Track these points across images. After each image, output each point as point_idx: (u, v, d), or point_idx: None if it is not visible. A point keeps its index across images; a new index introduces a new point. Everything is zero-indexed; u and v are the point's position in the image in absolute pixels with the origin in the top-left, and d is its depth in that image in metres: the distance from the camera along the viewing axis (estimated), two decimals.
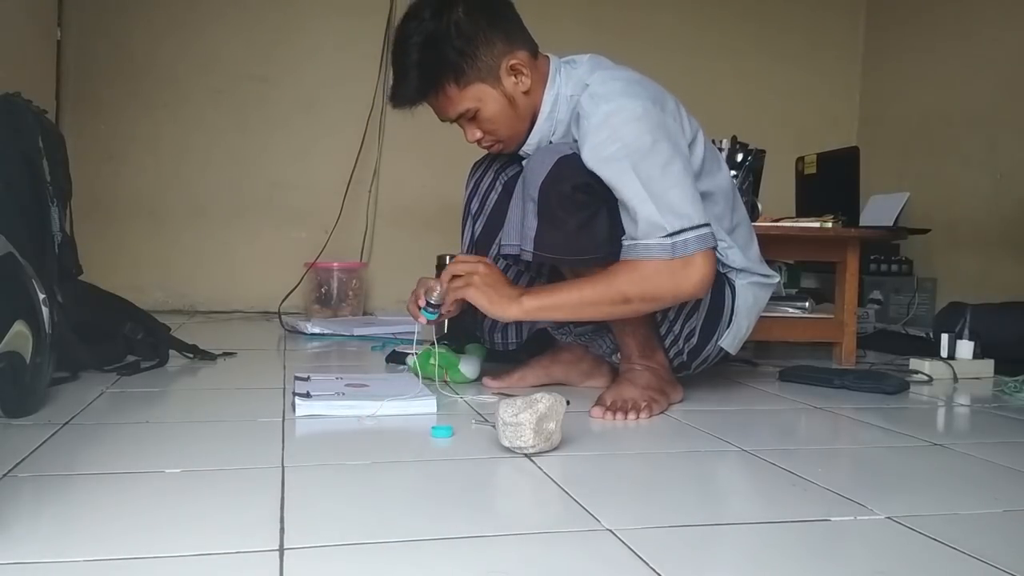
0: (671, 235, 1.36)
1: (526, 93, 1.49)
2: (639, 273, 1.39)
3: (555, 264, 1.56)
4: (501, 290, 1.43)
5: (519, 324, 1.70)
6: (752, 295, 1.60)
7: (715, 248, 1.42)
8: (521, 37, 1.51)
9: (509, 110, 1.49)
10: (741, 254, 1.58)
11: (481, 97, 1.47)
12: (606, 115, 1.40)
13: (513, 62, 1.47)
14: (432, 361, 1.67)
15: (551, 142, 1.53)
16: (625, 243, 1.41)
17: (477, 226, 1.68)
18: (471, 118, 1.51)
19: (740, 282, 1.58)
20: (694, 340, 1.56)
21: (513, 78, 1.48)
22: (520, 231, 1.48)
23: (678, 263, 1.37)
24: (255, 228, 3.24)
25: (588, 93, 1.45)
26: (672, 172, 1.39)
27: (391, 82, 1.51)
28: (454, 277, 1.45)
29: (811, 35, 3.73)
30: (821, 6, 3.74)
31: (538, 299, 1.42)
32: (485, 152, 1.67)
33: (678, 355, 1.58)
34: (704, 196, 1.53)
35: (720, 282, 1.56)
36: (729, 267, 1.58)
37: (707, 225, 1.40)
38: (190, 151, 3.19)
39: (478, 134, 1.53)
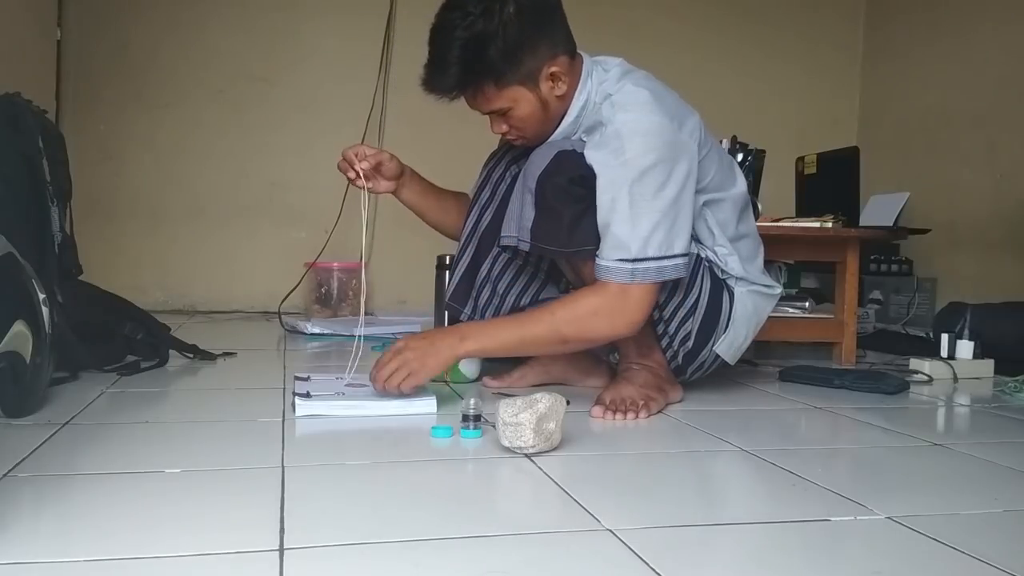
0: (633, 261, 1.39)
1: (560, 97, 1.49)
2: (577, 316, 1.42)
3: (550, 256, 1.57)
4: (433, 350, 1.39)
5: None
6: (752, 304, 1.60)
7: (681, 277, 1.45)
8: (564, 40, 1.48)
9: (541, 113, 1.49)
10: (740, 264, 1.58)
11: (517, 98, 1.46)
12: (621, 124, 1.41)
13: (554, 69, 1.46)
14: None
15: None
16: (596, 260, 1.43)
17: (485, 215, 1.68)
18: (502, 114, 1.50)
19: (739, 290, 1.58)
20: (690, 343, 1.56)
21: (551, 83, 1.47)
22: (518, 222, 1.49)
23: (617, 303, 1.40)
24: (255, 228, 3.24)
25: (610, 101, 1.45)
26: (663, 197, 1.40)
27: (426, 64, 1.46)
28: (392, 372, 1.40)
29: (811, 35, 3.73)
30: (821, 6, 3.74)
31: (478, 343, 1.42)
32: (495, 147, 1.69)
33: (673, 358, 1.58)
34: (713, 201, 1.54)
35: (719, 287, 1.56)
36: (728, 274, 1.58)
37: (683, 256, 1.42)
38: (190, 151, 3.19)
39: (504, 127, 1.53)
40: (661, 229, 1.40)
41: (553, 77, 1.46)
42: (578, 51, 1.53)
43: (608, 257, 1.41)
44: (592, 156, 1.42)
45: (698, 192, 1.50)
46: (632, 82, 1.47)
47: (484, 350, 1.45)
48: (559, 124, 1.52)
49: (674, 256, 1.42)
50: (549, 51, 1.45)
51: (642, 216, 1.39)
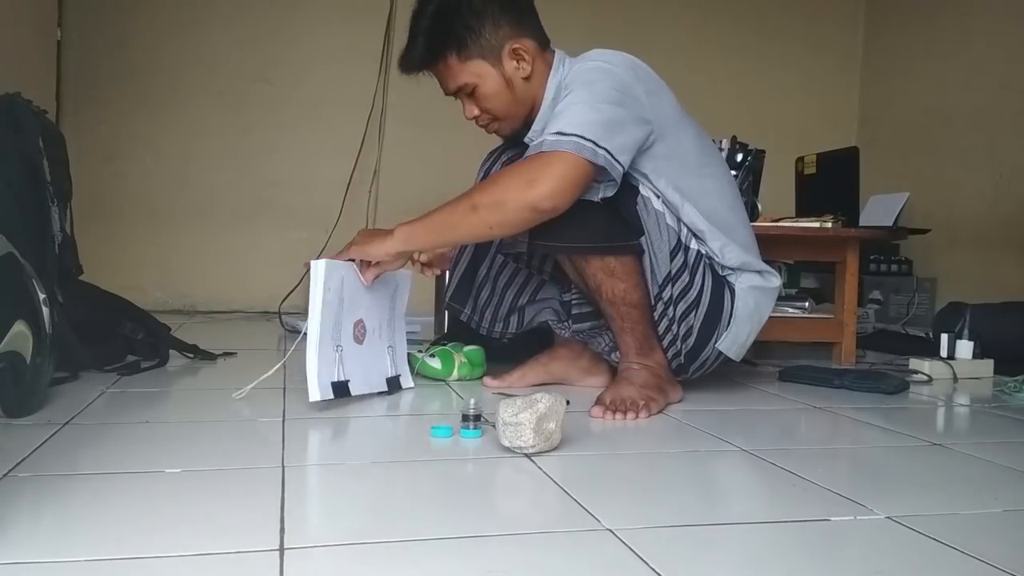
0: (558, 133, 1.36)
1: (526, 79, 1.54)
2: (491, 181, 1.41)
3: (550, 253, 1.58)
4: (375, 235, 1.46)
5: (520, 315, 1.73)
6: (753, 300, 1.60)
7: (593, 165, 1.37)
8: (531, 27, 1.55)
9: (506, 91, 1.54)
10: (739, 253, 1.58)
11: (480, 73, 1.52)
12: (580, 71, 1.46)
13: (516, 46, 1.52)
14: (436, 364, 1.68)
15: None
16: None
17: None
18: (470, 94, 1.55)
19: (740, 285, 1.58)
20: (692, 340, 1.56)
21: (514, 62, 1.53)
22: None
23: (532, 167, 1.36)
24: (256, 228, 3.24)
25: (577, 62, 1.51)
26: (604, 108, 1.39)
27: (403, 48, 1.55)
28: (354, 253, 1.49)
29: (811, 35, 3.73)
30: (821, 6, 3.75)
31: (409, 226, 1.44)
32: (494, 147, 1.70)
33: (676, 356, 1.58)
34: (700, 191, 1.55)
35: (720, 284, 1.57)
36: (728, 268, 1.58)
37: (616, 157, 1.38)
38: (191, 151, 3.19)
39: (475, 111, 1.57)
40: (595, 121, 1.37)
41: (516, 55, 1.52)
42: (554, 48, 1.58)
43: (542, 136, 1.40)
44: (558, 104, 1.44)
45: (685, 170, 1.52)
46: (603, 50, 1.51)
47: (410, 239, 1.44)
48: (536, 111, 1.55)
49: (605, 148, 1.37)
50: (512, 30, 1.52)
51: (582, 109, 1.39)
